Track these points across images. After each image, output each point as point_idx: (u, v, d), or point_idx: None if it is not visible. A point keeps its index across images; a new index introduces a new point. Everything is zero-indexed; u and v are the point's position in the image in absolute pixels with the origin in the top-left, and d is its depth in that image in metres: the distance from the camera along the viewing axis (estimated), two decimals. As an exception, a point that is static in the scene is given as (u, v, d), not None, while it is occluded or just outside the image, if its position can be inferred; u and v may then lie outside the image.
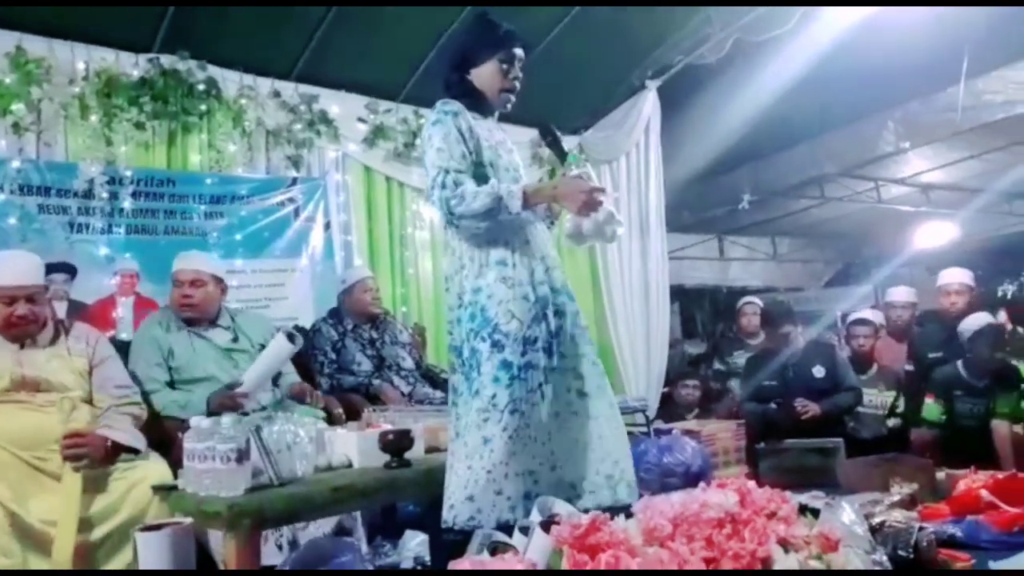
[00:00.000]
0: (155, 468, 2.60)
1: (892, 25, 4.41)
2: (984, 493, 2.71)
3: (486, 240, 2.25)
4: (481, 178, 2.25)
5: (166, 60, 3.93)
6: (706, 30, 4.77)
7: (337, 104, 4.53)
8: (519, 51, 2.37)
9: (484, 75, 2.36)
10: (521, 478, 2.17)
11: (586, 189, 2.20)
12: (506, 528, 1.97)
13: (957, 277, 4.62)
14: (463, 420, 2.22)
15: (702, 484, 1.93)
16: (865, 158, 6.21)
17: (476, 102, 2.36)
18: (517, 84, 2.39)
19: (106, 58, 3.80)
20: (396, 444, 2.45)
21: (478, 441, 2.15)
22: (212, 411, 2.86)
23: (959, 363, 4.11)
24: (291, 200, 4.36)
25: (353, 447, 2.51)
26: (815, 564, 1.77)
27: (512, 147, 2.47)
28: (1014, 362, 4.22)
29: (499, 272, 2.23)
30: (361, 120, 4.64)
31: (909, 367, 4.58)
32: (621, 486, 2.27)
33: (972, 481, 2.83)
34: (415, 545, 2.62)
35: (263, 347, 3.19)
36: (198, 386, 3.02)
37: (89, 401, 2.74)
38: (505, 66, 2.35)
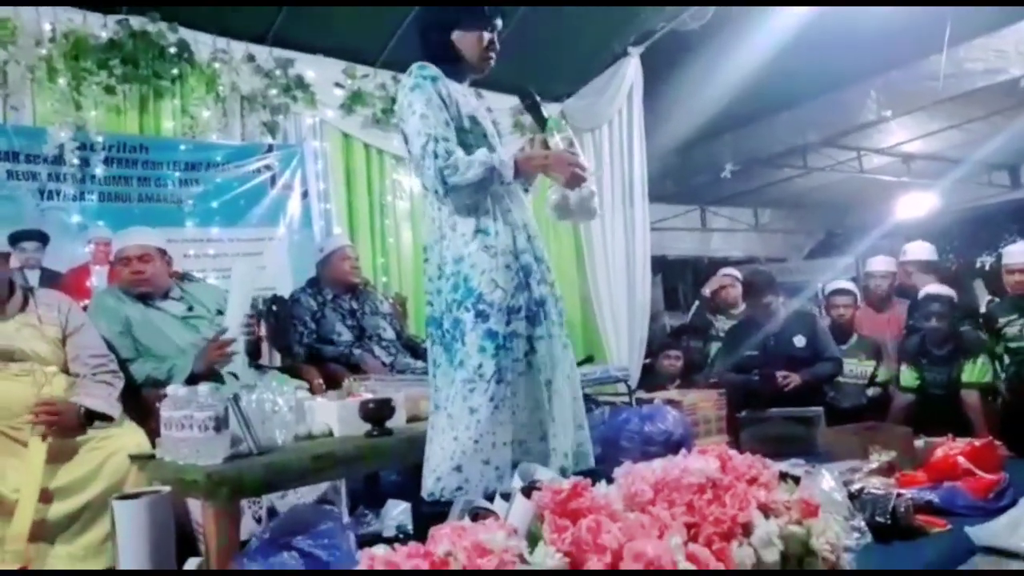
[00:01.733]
0: (132, 437, 2.58)
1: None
2: (961, 460, 2.75)
3: (467, 209, 2.22)
4: (463, 145, 2.22)
5: (136, 21, 3.81)
6: (689, -4, 4.72)
7: (313, 69, 4.42)
8: (499, 20, 2.35)
9: (468, 39, 2.31)
10: (509, 448, 2.15)
11: (575, 162, 2.24)
12: (492, 498, 1.96)
13: (907, 255, 4.78)
14: (443, 392, 2.19)
15: (683, 451, 1.93)
16: (847, 127, 6.21)
17: (453, 66, 2.31)
18: (496, 50, 2.37)
19: (73, 19, 3.68)
20: (377, 413, 2.44)
21: (464, 411, 2.13)
22: (199, 372, 2.86)
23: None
24: (267, 167, 4.26)
25: (334, 416, 2.50)
26: (795, 529, 1.78)
27: (486, 112, 2.44)
28: (983, 334, 4.26)
29: (481, 241, 2.19)
30: (338, 85, 4.54)
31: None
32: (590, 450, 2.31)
33: (949, 448, 2.86)
34: (397, 514, 2.63)
35: (220, 313, 3.18)
36: (169, 358, 2.98)
37: (65, 371, 2.69)
38: (489, 30, 2.32)
